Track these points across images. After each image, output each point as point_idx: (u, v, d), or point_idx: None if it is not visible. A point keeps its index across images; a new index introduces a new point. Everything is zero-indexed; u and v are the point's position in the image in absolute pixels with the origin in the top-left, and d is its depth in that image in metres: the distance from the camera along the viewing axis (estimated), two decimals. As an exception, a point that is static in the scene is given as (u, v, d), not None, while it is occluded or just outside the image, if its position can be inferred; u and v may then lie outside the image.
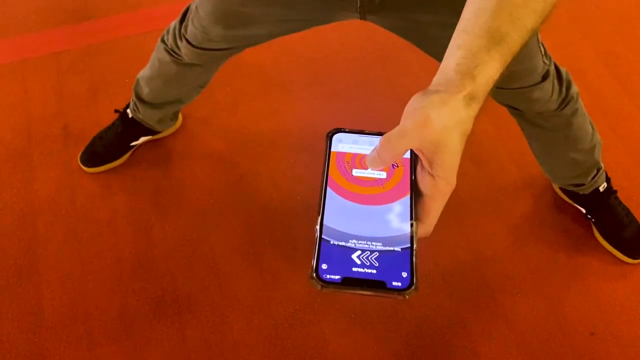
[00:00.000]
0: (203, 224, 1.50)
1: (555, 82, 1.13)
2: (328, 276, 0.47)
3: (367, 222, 0.50)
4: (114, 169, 1.58)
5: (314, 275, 0.47)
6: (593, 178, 1.38)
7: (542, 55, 1.07)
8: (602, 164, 1.40)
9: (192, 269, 1.43)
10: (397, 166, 0.53)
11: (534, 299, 1.39)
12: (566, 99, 1.18)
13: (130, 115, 1.51)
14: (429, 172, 0.50)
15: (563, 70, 1.17)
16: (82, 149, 1.58)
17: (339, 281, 0.47)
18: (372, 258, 0.48)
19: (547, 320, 1.36)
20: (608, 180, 1.43)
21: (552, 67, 1.11)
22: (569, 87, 1.18)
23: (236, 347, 1.33)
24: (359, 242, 0.49)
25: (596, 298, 1.39)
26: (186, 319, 1.36)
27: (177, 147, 1.63)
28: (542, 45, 1.07)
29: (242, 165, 1.60)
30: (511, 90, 1.10)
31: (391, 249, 0.49)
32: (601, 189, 1.41)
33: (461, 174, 0.49)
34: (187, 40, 1.17)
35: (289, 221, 1.50)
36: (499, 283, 1.41)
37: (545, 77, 1.09)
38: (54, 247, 1.46)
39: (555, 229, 1.49)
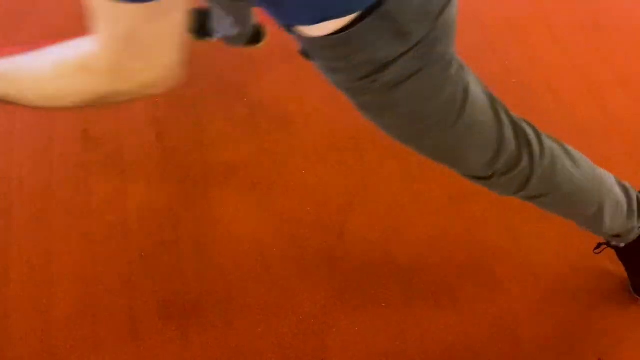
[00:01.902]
0: (214, 229, 1.52)
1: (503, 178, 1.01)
2: None
3: None
4: (129, 174, 1.61)
5: None
6: (608, 242, 1.29)
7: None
8: (633, 225, 1.21)
9: (200, 274, 1.45)
10: None
11: (541, 322, 1.37)
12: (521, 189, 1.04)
13: None
14: None
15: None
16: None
17: None
18: None
19: (554, 343, 1.34)
20: None
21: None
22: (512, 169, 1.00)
23: (239, 354, 1.33)
24: None
25: (605, 322, 1.37)
26: (191, 323, 1.37)
27: (192, 155, 1.65)
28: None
29: (255, 174, 1.61)
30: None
31: None
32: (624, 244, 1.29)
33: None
34: None
35: (299, 231, 1.51)
36: (506, 304, 1.40)
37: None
38: (67, 247, 1.49)
39: (564, 250, 1.48)
